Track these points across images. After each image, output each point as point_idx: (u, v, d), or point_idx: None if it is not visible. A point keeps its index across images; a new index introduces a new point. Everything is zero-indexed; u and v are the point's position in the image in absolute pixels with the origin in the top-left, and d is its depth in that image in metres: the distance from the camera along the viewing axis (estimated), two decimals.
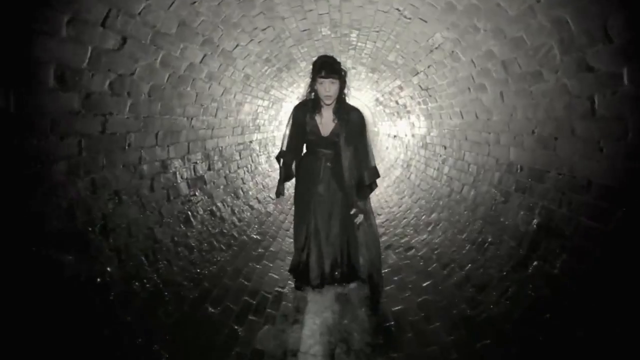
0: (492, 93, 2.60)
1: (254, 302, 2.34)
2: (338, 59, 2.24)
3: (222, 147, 3.69)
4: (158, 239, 2.24)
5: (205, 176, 3.20)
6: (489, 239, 2.64)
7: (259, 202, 4.40)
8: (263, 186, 4.93)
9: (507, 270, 2.28)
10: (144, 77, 2.03)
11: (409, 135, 5.92)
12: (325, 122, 2.28)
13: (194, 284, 2.33)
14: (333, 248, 2.47)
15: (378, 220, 4.66)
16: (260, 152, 5.37)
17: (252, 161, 4.83)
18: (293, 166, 2.48)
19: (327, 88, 2.11)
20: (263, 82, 4.34)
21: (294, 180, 2.57)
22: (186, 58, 2.37)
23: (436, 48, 2.99)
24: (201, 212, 2.93)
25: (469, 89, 2.96)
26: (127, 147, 2.04)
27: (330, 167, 2.33)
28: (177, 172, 2.69)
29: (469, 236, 2.91)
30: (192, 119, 2.84)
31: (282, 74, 4.72)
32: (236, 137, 4.16)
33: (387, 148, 7.95)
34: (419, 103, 4.74)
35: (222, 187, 3.54)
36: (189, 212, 2.75)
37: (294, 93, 6.49)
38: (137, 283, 1.89)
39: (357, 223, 2.32)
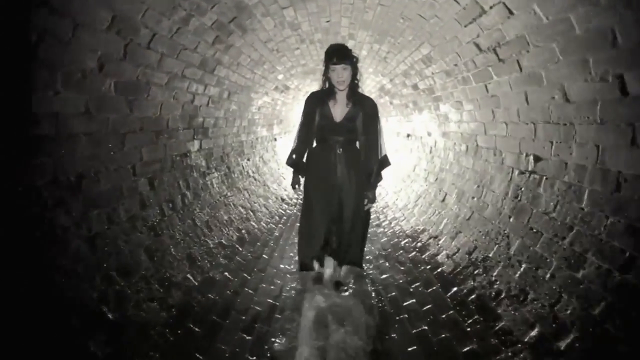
0: None
1: None
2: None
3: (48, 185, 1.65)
4: None
5: None
6: None
7: (192, 264, 2.36)
8: (209, 228, 2.89)
9: None
10: None
11: (435, 134, 3.89)
12: (339, 106, 2.23)
13: None
14: (346, 234, 2.39)
15: (400, 277, 2.65)
16: (210, 168, 3.32)
17: (188, 187, 2.79)
18: (304, 158, 2.41)
19: (340, 74, 2.10)
20: (191, 48, 2.30)
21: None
22: None
23: None
24: None
25: None
26: None
27: (343, 154, 2.25)
28: None
29: None
30: None
31: (231, 37, 2.67)
32: (129, 153, 2.11)
33: (396, 151, 5.90)
34: (463, 80, 2.71)
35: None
36: None
37: (268, 80, 4.43)
38: None
39: (367, 209, 2.39)
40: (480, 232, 2.47)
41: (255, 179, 4.53)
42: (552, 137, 1.83)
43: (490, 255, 2.22)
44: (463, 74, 2.63)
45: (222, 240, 2.90)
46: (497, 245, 2.21)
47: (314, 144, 2.39)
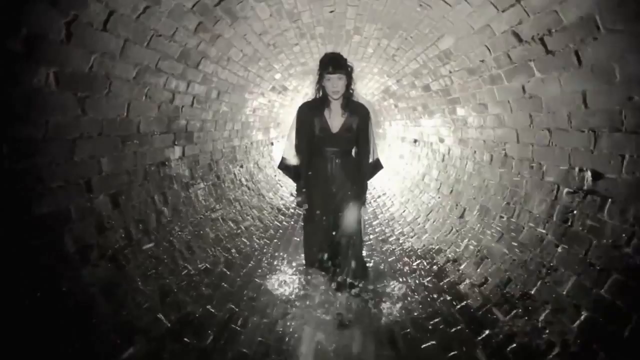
0: None
1: None
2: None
3: None
4: None
5: None
6: None
7: (165, 300, 1.90)
8: (191, 250, 2.43)
9: None
10: None
11: (449, 141, 3.47)
12: (334, 117, 2.20)
13: None
14: (346, 243, 2.34)
15: (415, 309, 2.21)
16: (195, 178, 2.86)
17: (166, 202, 2.32)
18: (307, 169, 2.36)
19: (335, 84, 2.06)
20: (166, 35, 1.86)
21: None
22: None
23: None
24: None
25: None
26: None
27: (339, 165, 2.24)
28: None
29: None
30: None
31: (219, 25, 2.24)
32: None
33: (401, 157, 5.49)
34: (490, 79, 2.29)
35: None
36: None
37: (265, 79, 4.00)
38: None
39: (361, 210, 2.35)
40: (514, 260, 2.04)
41: (248, 188, 4.08)
42: (624, 149, 1.41)
43: (532, 292, 1.79)
44: (492, 71, 2.21)
45: (207, 265, 2.45)
46: (540, 281, 1.78)
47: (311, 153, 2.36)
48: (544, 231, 1.89)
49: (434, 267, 2.68)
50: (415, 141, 4.68)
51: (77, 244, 1.53)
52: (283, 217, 4.26)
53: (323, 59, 2.11)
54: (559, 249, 1.74)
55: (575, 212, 1.69)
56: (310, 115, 2.20)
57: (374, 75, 4.93)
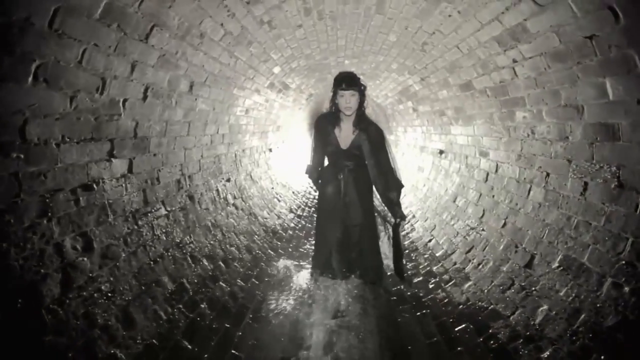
0: None
1: None
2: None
3: None
4: None
5: None
6: None
7: None
8: (127, 322, 1.57)
9: None
10: None
11: (496, 155, 2.58)
12: (345, 134, 2.30)
13: None
14: (355, 252, 2.44)
15: None
16: (150, 203, 1.95)
17: (89, 247, 1.45)
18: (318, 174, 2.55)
19: (348, 100, 2.18)
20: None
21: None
22: None
23: None
24: None
25: None
26: None
27: (349, 177, 2.33)
28: None
29: None
30: None
31: None
32: None
33: (420, 169, 4.62)
34: (599, 66, 1.42)
35: None
36: None
37: (260, 72, 3.15)
38: None
39: (400, 227, 2.31)
40: None
41: (236, 208, 3.22)
42: None
43: None
44: (610, 52, 1.35)
45: (154, 340, 1.58)
46: None
47: (327, 163, 2.47)
48: None
49: (491, 342, 1.80)
50: (441, 152, 3.80)
51: None
52: (279, 243, 3.39)
53: (337, 77, 2.22)
54: None
55: None
56: (324, 128, 2.31)
57: (390, 73, 4.08)
